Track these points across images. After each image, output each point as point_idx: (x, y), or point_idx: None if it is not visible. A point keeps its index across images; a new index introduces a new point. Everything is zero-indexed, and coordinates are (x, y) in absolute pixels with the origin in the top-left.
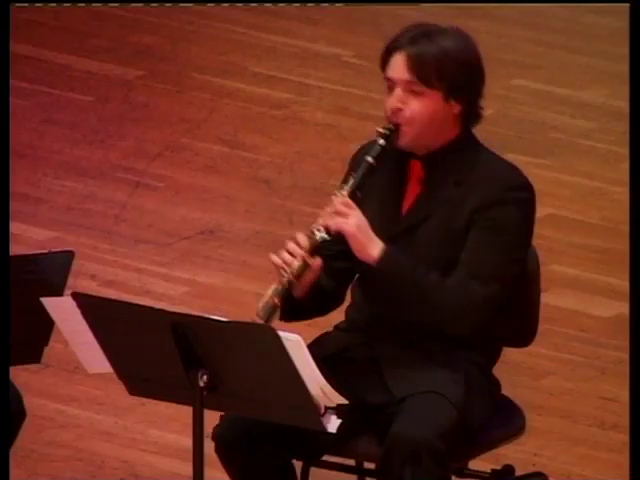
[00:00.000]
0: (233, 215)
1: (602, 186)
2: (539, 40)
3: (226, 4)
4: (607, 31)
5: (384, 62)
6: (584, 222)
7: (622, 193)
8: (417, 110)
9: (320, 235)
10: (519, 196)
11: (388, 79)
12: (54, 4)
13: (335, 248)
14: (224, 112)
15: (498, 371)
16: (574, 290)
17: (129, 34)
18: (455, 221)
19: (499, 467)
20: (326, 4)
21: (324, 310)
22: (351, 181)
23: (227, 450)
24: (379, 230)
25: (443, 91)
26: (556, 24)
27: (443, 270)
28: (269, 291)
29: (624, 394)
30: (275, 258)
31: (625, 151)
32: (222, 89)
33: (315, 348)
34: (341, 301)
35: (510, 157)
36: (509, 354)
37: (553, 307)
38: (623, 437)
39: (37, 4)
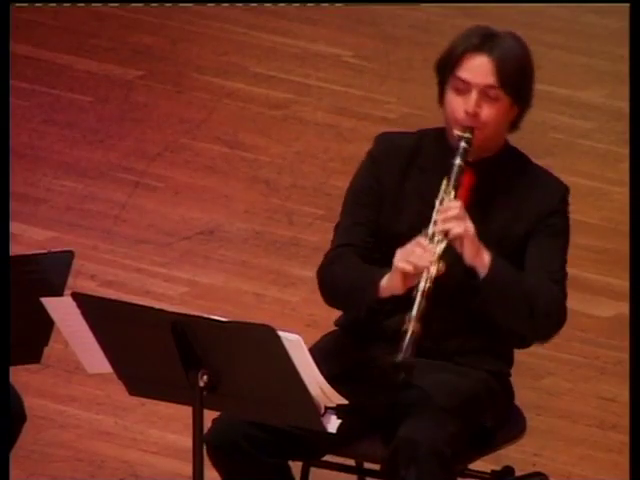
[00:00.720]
0: (233, 215)
1: (602, 186)
2: (539, 40)
3: (226, 4)
4: (607, 31)
5: (454, 62)
6: (584, 222)
7: (622, 193)
8: (492, 115)
9: (442, 241)
10: (567, 206)
11: (462, 80)
12: (54, 4)
13: None
14: (224, 112)
15: None
16: (574, 290)
17: (129, 34)
18: (513, 227)
19: (499, 468)
20: (326, 4)
21: None
22: (451, 186)
23: (218, 454)
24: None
25: (513, 97)
26: (556, 24)
27: None
28: (407, 324)
29: (624, 394)
30: (408, 266)
31: (625, 151)
32: (222, 89)
33: (337, 357)
34: None
35: None
36: None
37: None
38: (623, 437)
39: (37, 4)
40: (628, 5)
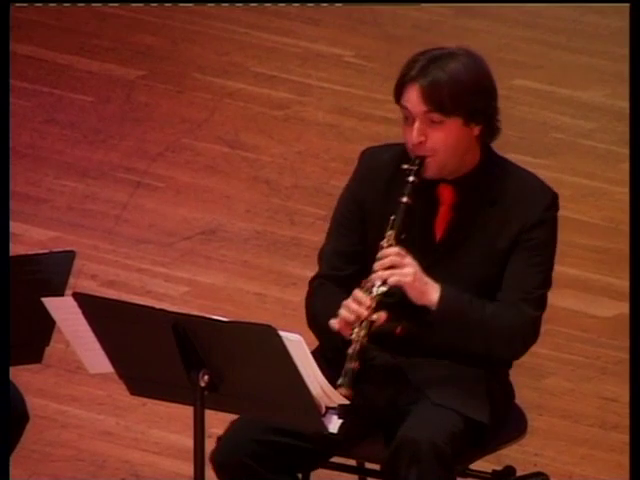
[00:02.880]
0: (234, 215)
1: (603, 186)
2: (540, 40)
3: (226, 4)
4: (608, 31)
5: (398, 94)
6: (585, 222)
7: (623, 193)
8: (439, 140)
9: (380, 290)
10: (553, 214)
11: (405, 110)
12: (54, 4)
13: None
14: (225, 112)
15: None
16: (575, 290)
17: (130, 34)
18: (497, 242)
19: (500, 467)
20: (326, 4)
21: None
22: (393, 227)
23: (225, 473)
24: (415, 259)
25: (462, 117)
26: (557, 24)
27: (485, 290)
28: (347, 363)
29: (625, 394)
30: (339, 322)
31: (626, 151)
32: (223, 89)
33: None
34: None
35: (511, 157)
36: None
37: (554, 307)
38: (624, 437)
39: (37, 4)
40: (628, 5)
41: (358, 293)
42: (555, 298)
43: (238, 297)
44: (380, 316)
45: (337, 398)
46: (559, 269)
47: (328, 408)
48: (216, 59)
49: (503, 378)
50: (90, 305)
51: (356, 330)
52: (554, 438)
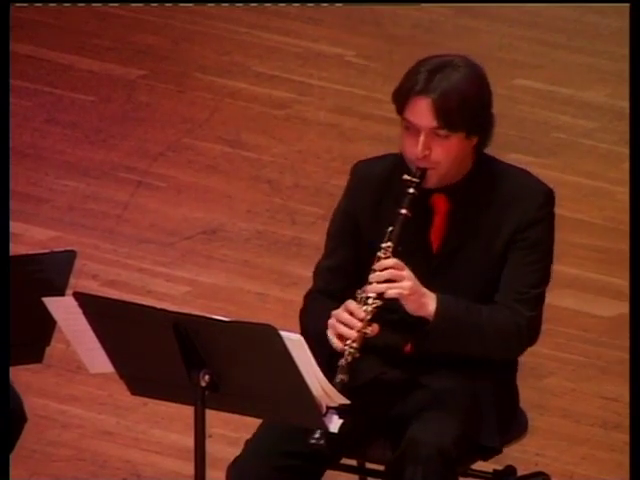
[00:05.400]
0: (235, 215)
1: (604, 186)
2: (541, 40)
3: (226, 4)
4: (609, 31)
5: (402, 105)
6: (586, 222)
7: (624, 193)
8: (443, 154)
9: (374, 302)
10: (548, 211)
11: (409, 122)
12: (54, 4)
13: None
14: (226, 112)
15: None
16: (576, 290)
17: (131, 34)
18: (494, 247)
19: (501, 467)
20: (326, 4)
21: None
22: (391, 238)
23: None
24: (415, 270)
25: (466, 131)
26: (558, 24)
27: (487, 295)
28: (338, 373)
29: (626, 394)
30: (330, 332)
31: (627, 151)
32: (224, 89)
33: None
34: None
35: (512, 157)
36: None
37: (555, 307)
38: (625, 437)
39: (37, 4)
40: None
41: (351, 304)
42: (556, 298)
43: (239, 297)
44: (374, 328)
45: (338, 398)
46: (560, 269)
47: (329, 408)
48: (217, 59)
49: (511, 386)
50: (91, 305)
51: (348, 342)
52: (555, 438)
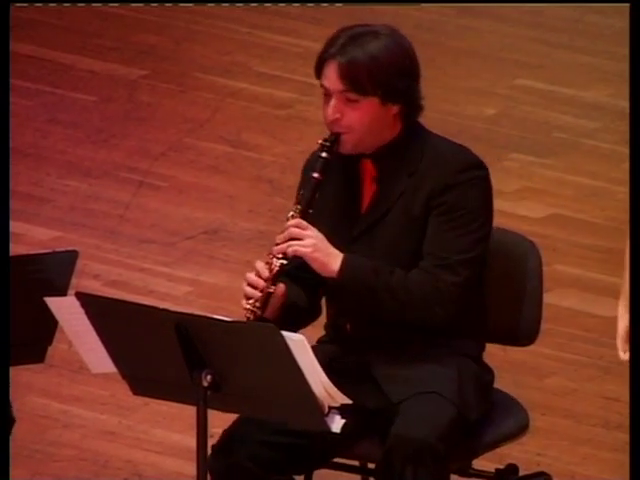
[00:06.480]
0: (236, 215)
1: (606, 186)
2: (542, 40)
3: (226, 4)
4: (610, 31)
5: (318, 71)
6: (588, 222)
7: (626, 193)
8: (355, 118)
9: (279, 262)
10: (471, 175)
11: (322, 86)
12: (55, 4)
13: (299, 261)
14: (228, 112)
15: (501, 371)
16: (577, 290)
17: (133, 34)
18: (412, 211)
19: (503, 467)
20: (326, 4)
21: (300, 326)
22: (301, 201)
23: (223, 478)
24: (341, 233)
25: (379, 96)
26: (559, 24)
27: (410, 262)
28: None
29: (628, 394)
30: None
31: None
32: (226, 89)
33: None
34: (317, 314)
35: (513, 157)
36: (512, 354)
37: (556, 307)
38: (627, 437)
39: (37, 4)
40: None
41: (258, 264)
42: (557, 298)
43: (240, 297)
44: (279, 288)
45: (340, 398)
46: (561, 268)
47: (331, 408)
48: (218, 59)
49: (472, 353)
50: (93, 305)
51: (251, 302)
52: (557, 438)
